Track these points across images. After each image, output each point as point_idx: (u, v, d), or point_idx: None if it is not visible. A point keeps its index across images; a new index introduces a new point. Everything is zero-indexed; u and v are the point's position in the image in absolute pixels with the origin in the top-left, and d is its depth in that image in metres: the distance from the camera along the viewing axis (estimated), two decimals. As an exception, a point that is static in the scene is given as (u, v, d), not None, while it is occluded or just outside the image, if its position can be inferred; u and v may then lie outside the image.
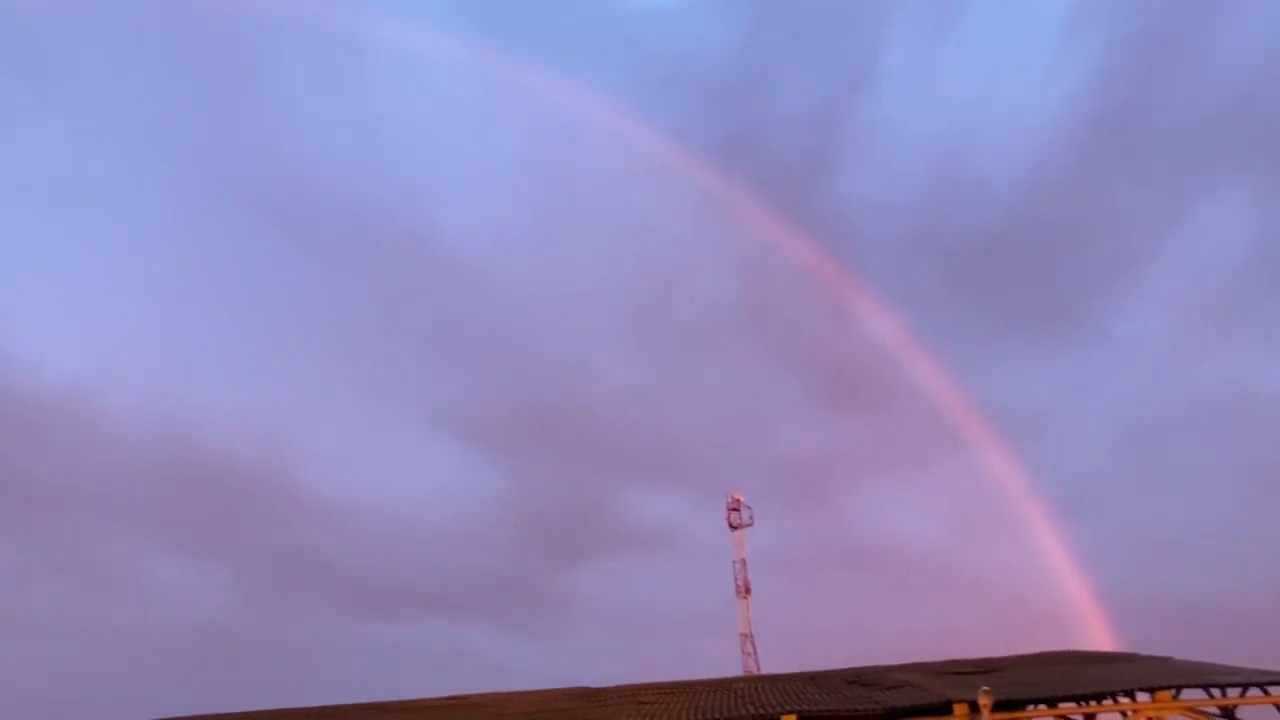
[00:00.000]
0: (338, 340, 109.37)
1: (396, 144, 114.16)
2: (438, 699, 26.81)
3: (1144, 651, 25.93)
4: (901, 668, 25.36)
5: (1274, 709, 18.15)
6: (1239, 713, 18.80)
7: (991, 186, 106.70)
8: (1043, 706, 19.37)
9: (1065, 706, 19.46)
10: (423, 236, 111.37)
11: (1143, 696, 19.02)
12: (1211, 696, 18.87)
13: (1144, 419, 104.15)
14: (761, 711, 18.45)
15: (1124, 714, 19.19)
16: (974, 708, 17.34)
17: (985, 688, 17.50)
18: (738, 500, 63.27)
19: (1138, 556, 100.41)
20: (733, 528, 62.98)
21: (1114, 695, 19.27)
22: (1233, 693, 18.59)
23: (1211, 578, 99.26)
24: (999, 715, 17.66)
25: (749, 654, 59.43)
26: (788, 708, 18.35)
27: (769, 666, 53.59)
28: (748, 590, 61.00)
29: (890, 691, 20.17)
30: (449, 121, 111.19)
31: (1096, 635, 49.83)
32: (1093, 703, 19.30)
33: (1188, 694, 18.97)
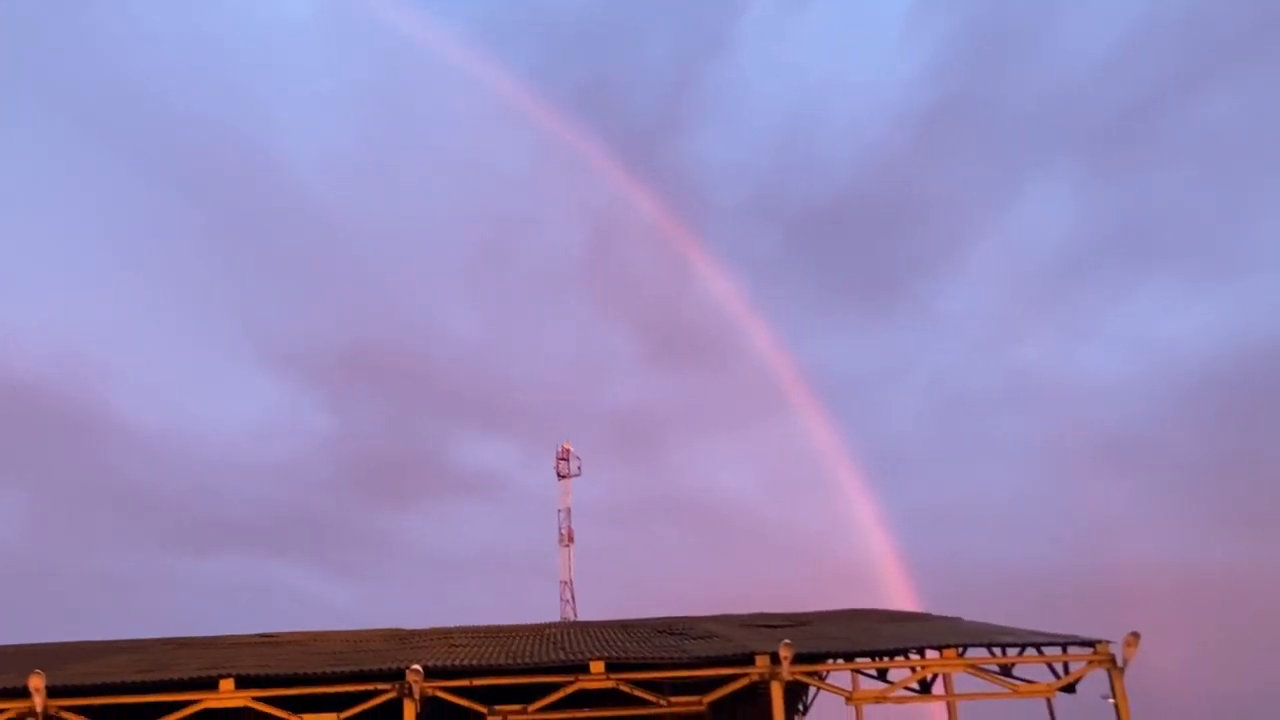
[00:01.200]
0: (160, 263, 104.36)
1: (234, 62, 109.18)
2: (245, 636, 26.22)
3: (938, 612, 27.46)
4: (712, 619, 26.13)
5: (1046, 667, 19.45)
6: (1016, 670, 20.00)
7: (833, 159, 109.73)
8: (840, 660, 20.27)
9: (861, 661, 20.44)
10: (257, 161, 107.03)
11: (932, 654, 20.08)
12: (993, 655, 20.06)
13: (957, 393, 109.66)
14: (571, 658, 18.72)
15: (913, 669, 20.25)
16: (775, 659, 17.99)
17: (787, 640, 18.20)
18: (567, 450, 63.83)
19: (941, 522, 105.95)
20: (561, 477, 63.57)
21: (906, 652, 20.29)
22: (1012, 652, 19.82)
23: (1006, 545, 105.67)
24: (798, 667, 18.38)
25: (568, 601, 60.33)
26: (597, 654, 18.67)
27: (587, 614, 54.52)
28: (571, 539, 61.80)
29: (698, 641, 20.75)
30: (290, 42, 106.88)
31: (898, 595, 52.54)
32: (886, 658, 20.26)
33: (972, 652, 20.14)
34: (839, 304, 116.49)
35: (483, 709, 18.14)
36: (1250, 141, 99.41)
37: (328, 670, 18.27)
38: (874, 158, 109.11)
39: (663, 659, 18.65)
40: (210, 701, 18.09)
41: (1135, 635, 18.02)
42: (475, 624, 26.65)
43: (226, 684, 18.08)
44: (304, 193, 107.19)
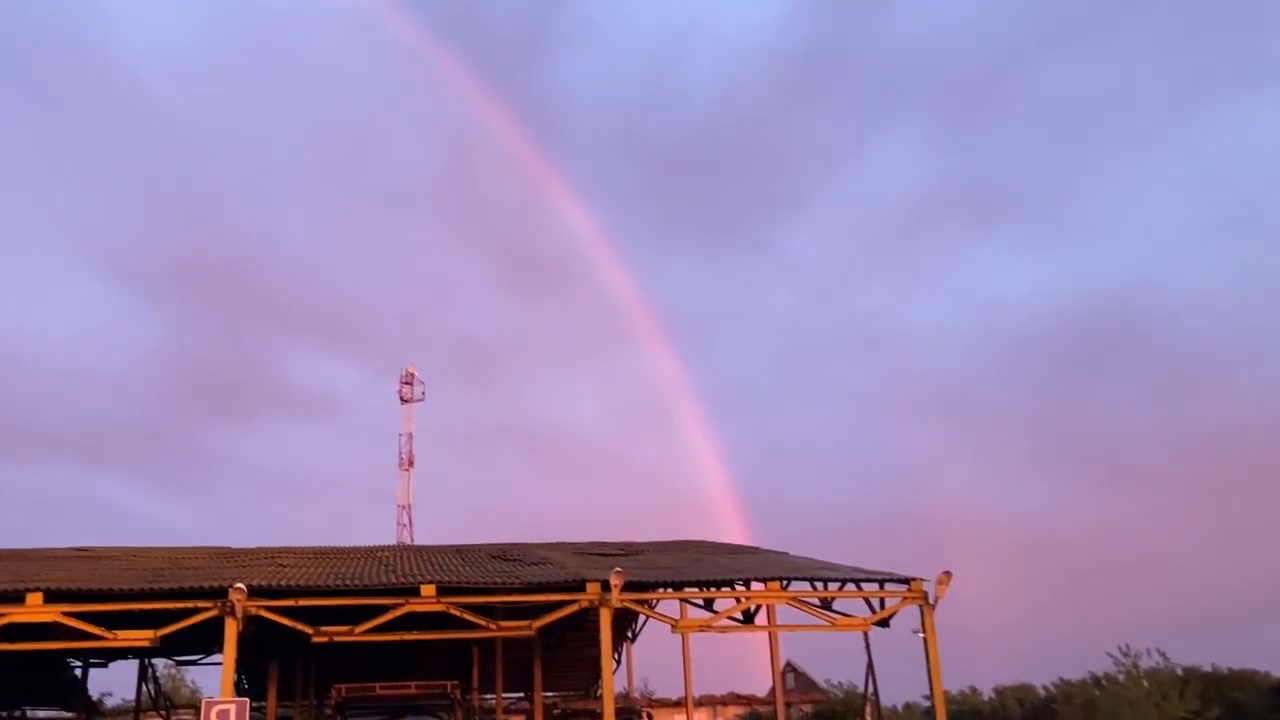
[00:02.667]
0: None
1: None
2: (59, 549, 25.12)
3: (768, 546, 28.36)
4: (547, 546, 26.34)
5: (864, 602, 20.33)
6: (836, 604, 20.82)
7: (693, 98, 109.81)
8: (669, 589, 20.71)
9: (689, 591, 20.89)
10: (88, 53, 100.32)
11: (757, 586, 20.73)
12: (815, 589, 20.83)
13: (798, 335, 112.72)
14: (402, 581, 18.57)
15: (738, 600, 20.86)
16: (605, 587, 18.24)
17: (618, 569, 18.46)
18: (411, 374, 62.94)
19: (776, 459, 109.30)
20: (403, 400, 62.72)
21: (732, 583, 20.89)
22: (833, 587, 20.62)
23: (835, 483, 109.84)
24: (628, 595, 18.69)
25: (404, 526, 59.93)
26: (428, 578, 18.58)
27: (424, 540, 54.14)
28: (411, 463, 61.19)
29: (531, 568, 20.88)
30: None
31: (732, 528, 54.00)
32: (713, 589, 20.80)
33: (796, 586, 20.86)
34: (691, 241, 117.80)
35: (308, 630, 17.85)
36: (1088, 111, 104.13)
37: (145, 586, 17.64)
38: (733, 99, 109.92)
39: (495, 584, 18.69)
40: (16, 615, 17.25)
41: (947, 574, 18.96)
42: (306, 545, 26.19)
43: (34, 598, 17.26)
44: (140, 89, 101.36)
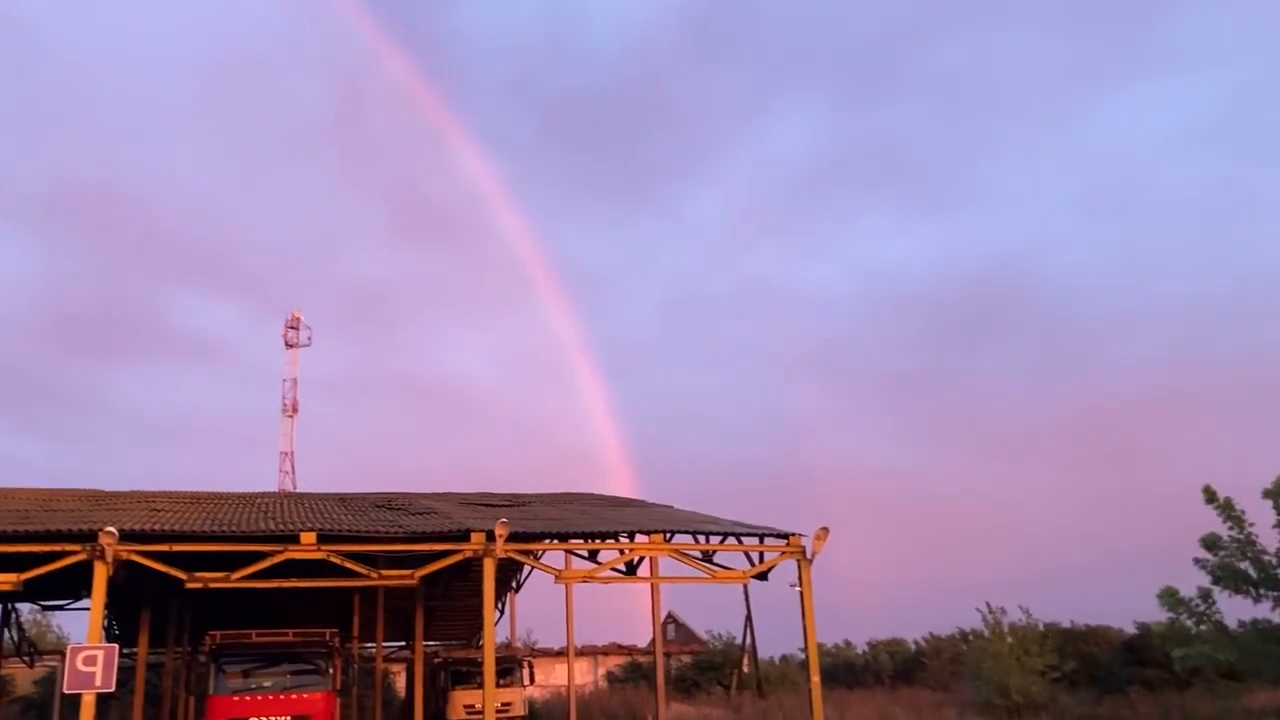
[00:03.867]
0: None
1: None
2: (-84, 490, 24.00)
3: (654, 499, 28.69)
4: (433, 495, 26.18)
5: (744, 555, 20.73)
6: (717, 557, 21.19)
7: (597, 52, 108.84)
8: (555, 541, 20.82)
9: (574, 542, 21.04)
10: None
11: (641, 538, 20.96)
12: (697, 542, 21.16)
13: (692, 295, 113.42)
14: (281, 528, 18.25)
15: (621, 551, 21.08)
16: (490, 537, 18.24)
17: (504, 519, 18.46)
18: (297, 318, 61.47)
19: (666, 415, 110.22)
20: (289, 346, 61.32)
21: (616, 535, 21.09)
22: (715, 540, 20.98)
23: (722, 440, 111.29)
24: (512, 545, 18.72)
25: (287, 473, 58.82)
26: (309, 525, 18.29)
27: (307, 487, 53.27)
28: (295, 410, 59.99)
29: (416, 517, 20.75)
30: None
31: (621, 481, 54.38)
32: (597, 540, 20.98)
33: (679, 539, 21.16)
34: (591, 196, 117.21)
35: (182, 575, 17.44)
36: (980, 86, 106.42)
37: (10, 528, 16.98)
38: (637, 56, 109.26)
39: (377, 533, 18.52)
40: None
41: (825, 530, 19.46)
42: (183, 490, 25.53)
43: (-110, 539, 16.50)
44: (11, 8, 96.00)
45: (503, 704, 26.17)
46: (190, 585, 17.64)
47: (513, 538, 18.58)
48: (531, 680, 30.04)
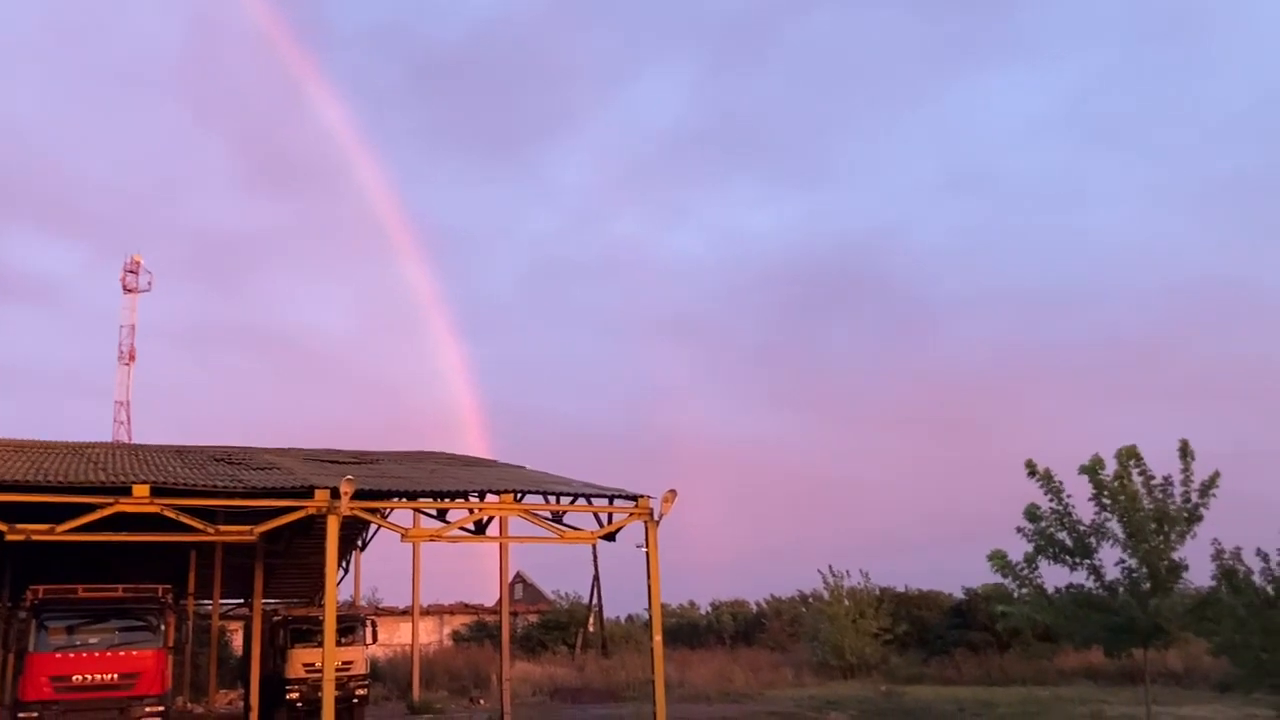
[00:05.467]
0: None
1: None
2: None
3: (508, 460, 28.59)
4: (276, 451, 25.50)
5: (593, 516, 20.86)
6: (566, 518, 21.25)
7: (468, 5, 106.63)
8: (403, 499, 20.56)
9: (423, 501, 20.80)
10: None
11: (491, 498, 20.88)
12: (548, 503, 21.20)
13: (554, 257, 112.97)
14: (112, 479, 17.46)
15: (470, 511, 20.96)
16: (335, 494, 17.86)
17: (349, 476, 18.12)
18: (137, 262, 58.74)
19: (523, 377, 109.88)
20: (127, 291, 58.61)
21: (466, 494, 20.97)
22: (565, 501, 21.06)
23: (578, 403, 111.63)
24: (358, 503, 18.39)
25: (122, 423, 56.40)
26: (143, 478, 17.55)
27: (144, 438, 51.17)
28: (133, 358, 57.47)
29: (257, 472, 20.18)
30: None
31: (475, 442, 53.96)
32: (446, 499, 20.79)
33: (529, 499, 21.18)
34: (453, 154, 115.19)
35: (2, 527, 16.54)
36: (846, 65, 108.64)
37: None
38: (506, 14, 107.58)
39: (214, 487, 17.92)
40: None
41: (672, 492, 19.71)
42: (6, 438, 24.19)
43: None
44: None
45: (344, 662, 25.74)
46: (11, 538, 16.74)
47: (359, 495, 18.24)
48: (374, 639, 29.67)
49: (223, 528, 18.58)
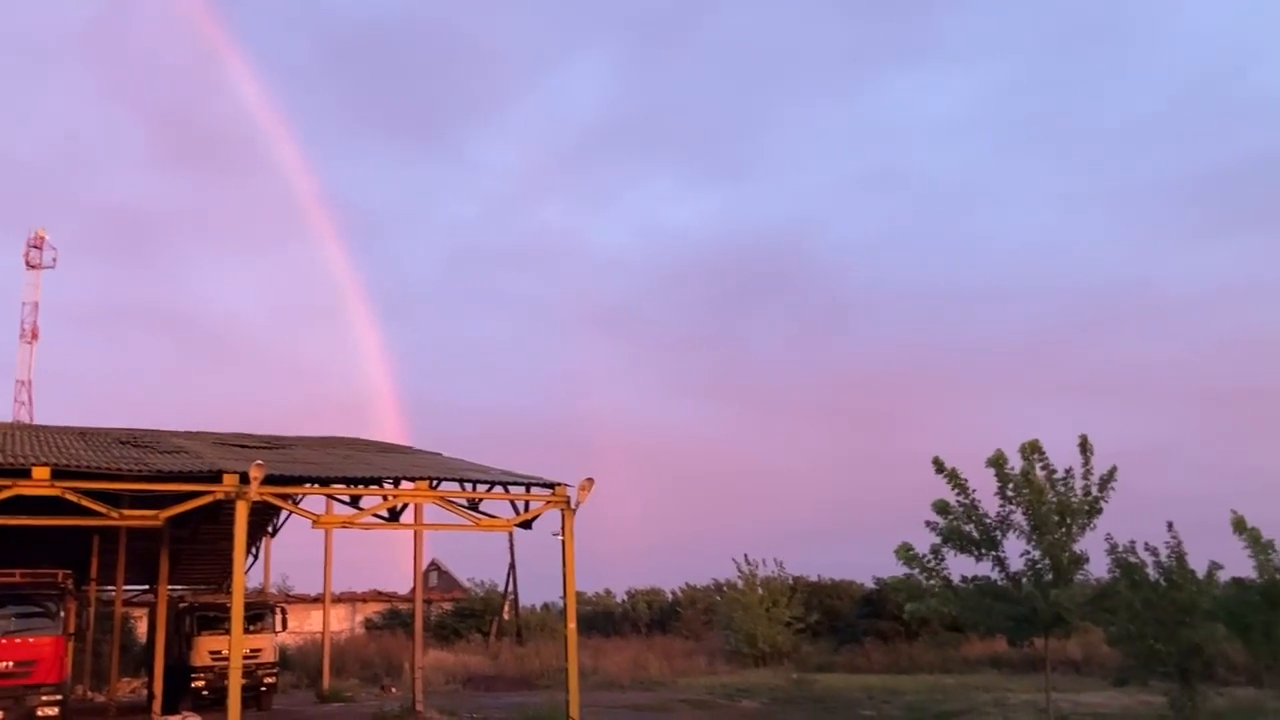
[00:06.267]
0: None
1: None
2: None
3: (425, 447, 28.29)
4: (185, 434, 24.94)
5: (510, 504, 20.76)
6: (483, 506, 21.11)
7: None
8: (315, 485, 20.25)
9: (336, 487, 20.52)
10: None
11: (407, 485, 20.66)
12: (464, 490, 21.03)
13: (476, 243, 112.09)
14: (11, 461, 16.89)
15: (385, 498, 20.74)
16: (245, 479, 17.50)
17: (260, 461, 17.77)
18: (41, 238, 56.87)
19: (442, 364, 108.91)
20: (30, 266, 56.71)
21: (380, 481, 20.73)
22: (481, 488, 20.91)
23: (498, 391, 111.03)
24: (268, 488, 18.05)
25: (23, 403, 54.62)
26: (43, 460, 17.01)
27: (46, 419, 49.60)
28: (35, 335, 55.65)
29: (164, 455, 19.70)
30: None
31: (391, 429, 53.33)
32: (360, 486, 20.54)
33: (446, 486, 20.99)
34: (374, 134, 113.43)
35: (-113, 510, 15.91)
36: (767, 62, 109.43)
37: None
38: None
39: (119, 470, 17.43)
40: None
41: (590, 480, 19.72)
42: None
43: None
44: None
45: (252, 650, 25.37)
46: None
47: (269, 481, 17.87)
48: (284, 626, 29.24)
49: (127, 512, 18.11)
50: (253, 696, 25.33)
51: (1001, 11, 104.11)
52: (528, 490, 20.60)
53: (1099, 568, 18.20)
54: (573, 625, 20.05)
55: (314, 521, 20.29)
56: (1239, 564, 18.73)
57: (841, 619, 46.43)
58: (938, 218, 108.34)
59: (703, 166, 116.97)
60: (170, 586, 29.16)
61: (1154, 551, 17.72)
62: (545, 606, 54.96)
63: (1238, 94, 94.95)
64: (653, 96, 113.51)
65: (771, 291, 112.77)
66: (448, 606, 53.09)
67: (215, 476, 17.71)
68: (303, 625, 43.89)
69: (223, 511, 20.30)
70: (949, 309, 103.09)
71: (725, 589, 48.03)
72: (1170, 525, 17.85)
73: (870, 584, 46.17)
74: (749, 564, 44.51)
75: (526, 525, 21.16)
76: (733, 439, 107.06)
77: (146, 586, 34.42)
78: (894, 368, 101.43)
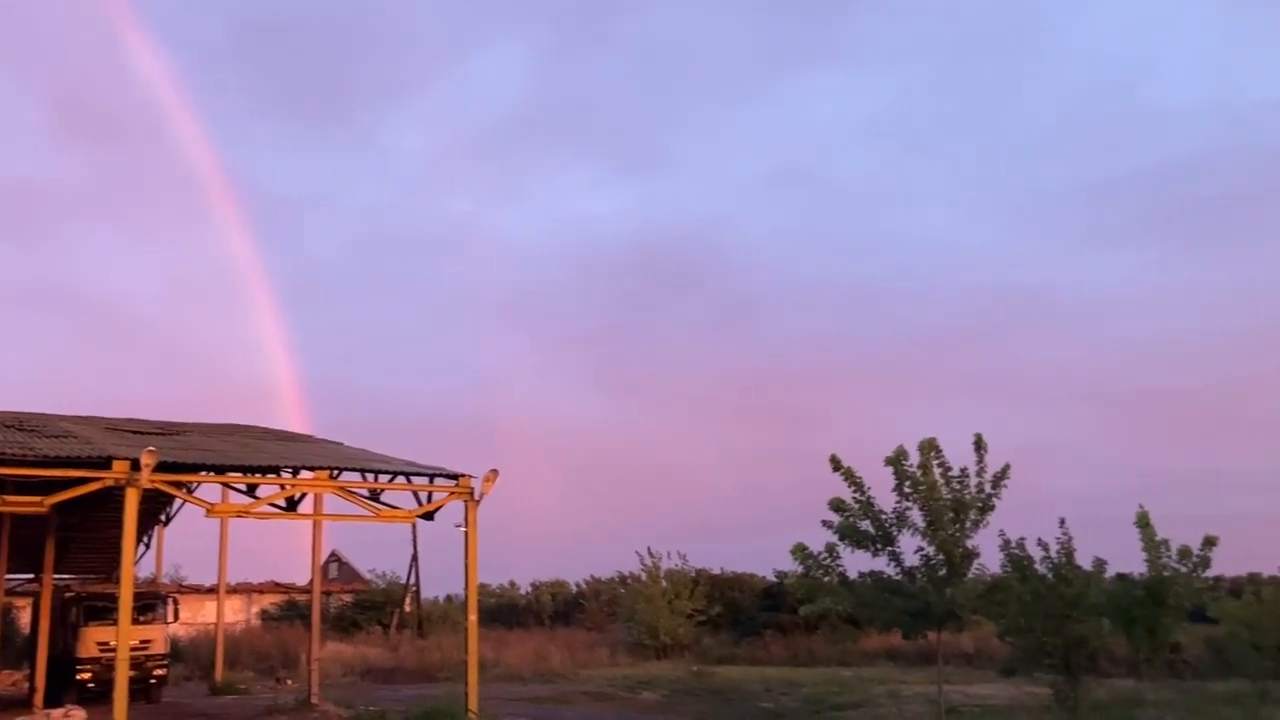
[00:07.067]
0: None
1: None
2: None
3: (334, 439, 27.75)
4: (73, 418, 24.12)
5: (412, 495, 20.54)
6: (385, 496, 20.84)
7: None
8: (211, 473, 19.76)
9: (232, 475, 20.05)
10: None
11: (307, 474, 20.27)
12: (366, 480, 20.71)
13: (386, 230, 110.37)
14: (-115, 444, 16.19)
15: (282, 487, 20.33)
16: (136, 466, 17.00)
17: (152, 448, 17.28)
18: (-79, 209, 54.34)
19: (348, 353, 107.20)
20: (-91, 239, 54.09)
21: (278, 470, 20.30)
22: (383, 479, 20.63)
23: (405, 381, 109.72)
24: (161, 475, 17.56)
25: (-101, 384, 52.17)
26: (-82, 443, 16.34)
27: (-76, 401, 47.53)
28: (-87, 313, 53.23)
29: (51, 440, 19.05)
30: None
31: (293, 417, 52.17)
32: (258, 475, 20.09)
33: (347, 476, 20.61)
34: (281, 115, 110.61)
35: None
36: (682, 58, 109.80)
37: None
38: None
39: (4, 455, 16.81)
40: None
41: (494, 472, 19.59)
42: None
43: None
44: None
45: (141, 641, 24.70)
46: None
47: (162, 468, 17.39)
48: (175, 617, 28.51)
49: (10, 498, 17.51)
50: (141, 689, 24.67)
51: (916, 15, 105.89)
52: (431, 481, 20.41)
53: (992, 563, 18.68)
54: (474, 617, 19.92)
55: (207, 510, 19.80)
56: (1127, 561, 19.52)
57: (743, 612, 46.96)
58: (848, 218, 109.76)
59: (618, 160, 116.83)
60: (57, 576, 28.21)
61: (1045, 547, 18.29)
62: (448, 599, 54.50)
63: (1127, 109, 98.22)
64: (569, 88, 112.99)
65: (683, 286, 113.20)
66: (348, 598, 52.33)
67: (105, 463, 17.17)
68: (196, 616, 42.91)
69: (113, 499, 19.67)
70: (856, 308, 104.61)
71: (629, 581, 48.22)
72: (1062, 522, 18.47)
73: (771, 577, 46.90)
74: (652, 556, 44.77)
75: (429, 517, 20.95)
76: (641, 432, 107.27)
77: (32, 575, 33.26)
78: (801, 365, 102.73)
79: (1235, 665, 26.78)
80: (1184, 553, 18.43)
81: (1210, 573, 19.44)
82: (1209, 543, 18.26)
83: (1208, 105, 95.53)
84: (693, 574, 45.74)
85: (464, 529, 20.13)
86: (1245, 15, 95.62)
